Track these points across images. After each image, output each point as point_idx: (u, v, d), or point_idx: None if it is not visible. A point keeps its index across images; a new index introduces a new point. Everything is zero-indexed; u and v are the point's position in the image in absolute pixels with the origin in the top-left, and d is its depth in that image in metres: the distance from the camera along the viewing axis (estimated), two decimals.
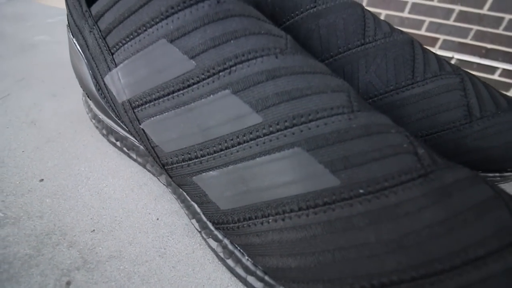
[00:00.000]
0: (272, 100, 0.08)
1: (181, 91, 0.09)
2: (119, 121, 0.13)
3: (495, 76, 0.93)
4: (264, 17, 0.10)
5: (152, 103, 0.10)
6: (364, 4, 0.89)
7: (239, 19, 0.09)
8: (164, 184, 0.13)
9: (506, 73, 0.92)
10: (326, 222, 0.08)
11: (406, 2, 0.86)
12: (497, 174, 0.12)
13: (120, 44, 0.10)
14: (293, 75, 0.09)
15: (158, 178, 0.13)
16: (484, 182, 0.09)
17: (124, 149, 0.14)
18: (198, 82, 0.09)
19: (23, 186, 0.14)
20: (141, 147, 0.13)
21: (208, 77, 0.09)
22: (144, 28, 0.10)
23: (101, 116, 0.15)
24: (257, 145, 0.09)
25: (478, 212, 0.08)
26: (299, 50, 0.09)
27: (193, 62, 0.09)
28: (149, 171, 0.14)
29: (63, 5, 0.44)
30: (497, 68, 0.92)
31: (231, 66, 0.09)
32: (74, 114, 0.19)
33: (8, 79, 0.22)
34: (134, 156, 0.14)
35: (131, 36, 0.10)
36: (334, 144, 0.08)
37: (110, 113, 0.13)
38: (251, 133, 0.09)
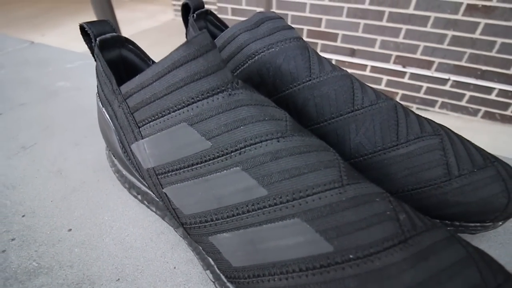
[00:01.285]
0: (275, 177, 0.10)
1: (199, 165, 0.11)
2: (141, 179, 0.15)
3: (492, 96, 0.96)
4: (268, 100, 0.12)
5: (174, 172, 0.12)
6: (359, 29, 0.93)
7: (247, 108, 0.11)
8: (181, 236, 0.15)
9: (502, 93, 0.94)
10: (322, 283, 0.09)
11: (401, 29, 0.90)
12: (478, 224, 0.14)
13: (147, 121, 0.12)
14: (292, 156, 0.10)
15: (175, 231, 0.15)
16: (458, 242, 0.10)
17: (145, 202, 0.16)
18: (214, 159, 0.11)
19: (53, 236, 0.16)
20: (161, 202, 0.15)
21: (222, 155, 0.11)
22: (168, 111, 0.12)
23: (124, 172, 0.17)
24: (263, 214, 0.10)
25: (451, 273, 0.09)
26: (297, 130, 0.11)
27: (209, 142, 0.11)
28: (167, 223, 0.16)
29: (80, 49, 0.48)
30: (493, 88, 0.95)
31: (241, 148, 0.11)
32: (96, 163, 0.21)
33: (34, 127, 0.24)
34: (153, 209, 0.16)
35: (157, 116, 0.12)
36: (328, 216, 0.10)
37: (134, 172, 0.15)
38: (258, 203, 0.10)
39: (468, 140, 0.15)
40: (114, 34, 0.15)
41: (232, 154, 0.11)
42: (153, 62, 0.17)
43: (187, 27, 0.17)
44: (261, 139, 0.11)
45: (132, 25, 1.67)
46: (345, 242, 0.09)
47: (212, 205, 0.11)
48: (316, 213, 0.10)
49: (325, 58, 0.15)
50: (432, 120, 0.15)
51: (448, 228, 0.11)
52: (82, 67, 0.36)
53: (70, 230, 0.16)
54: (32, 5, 1.97)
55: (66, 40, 1.42)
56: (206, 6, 0.26)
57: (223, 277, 0.12)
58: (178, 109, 0.11)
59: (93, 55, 0.15)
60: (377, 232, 0.10)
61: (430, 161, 0.13)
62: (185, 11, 0.18)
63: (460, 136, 0.15)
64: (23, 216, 0.17)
